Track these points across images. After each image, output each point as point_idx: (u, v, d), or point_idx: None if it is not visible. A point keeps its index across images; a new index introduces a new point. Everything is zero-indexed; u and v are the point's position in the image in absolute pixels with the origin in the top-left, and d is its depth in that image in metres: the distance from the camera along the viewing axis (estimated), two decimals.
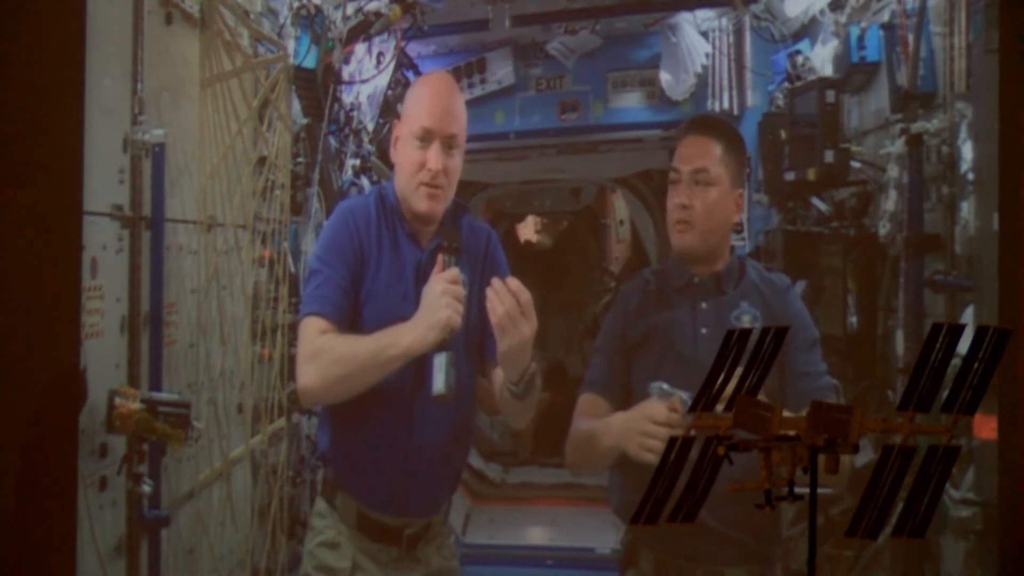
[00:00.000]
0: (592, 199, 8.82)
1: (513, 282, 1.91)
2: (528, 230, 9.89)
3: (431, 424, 2.15)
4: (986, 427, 2.31)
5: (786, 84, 4.13)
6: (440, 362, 1.97)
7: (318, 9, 3.36)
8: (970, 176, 2.63)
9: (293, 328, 2.98)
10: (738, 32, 4.80)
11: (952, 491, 2.50)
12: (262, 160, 3.01)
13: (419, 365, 2.04)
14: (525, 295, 1.89)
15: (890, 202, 3.08)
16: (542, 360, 7.52)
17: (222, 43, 2.62)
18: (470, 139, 2.27)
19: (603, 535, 5.27)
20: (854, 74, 3.56)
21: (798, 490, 1.28)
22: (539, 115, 5.32)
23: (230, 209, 2.75)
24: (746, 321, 2.17)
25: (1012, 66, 1.91)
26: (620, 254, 8.46)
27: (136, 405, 2.03)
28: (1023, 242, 1.86)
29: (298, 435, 3.55)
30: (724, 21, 4.80)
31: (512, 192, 8.06)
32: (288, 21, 3.35)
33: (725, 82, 4.83)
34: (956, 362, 1.20)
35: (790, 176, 3.86)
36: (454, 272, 2.02)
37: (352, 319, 2.12)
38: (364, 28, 3.77)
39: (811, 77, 3.92)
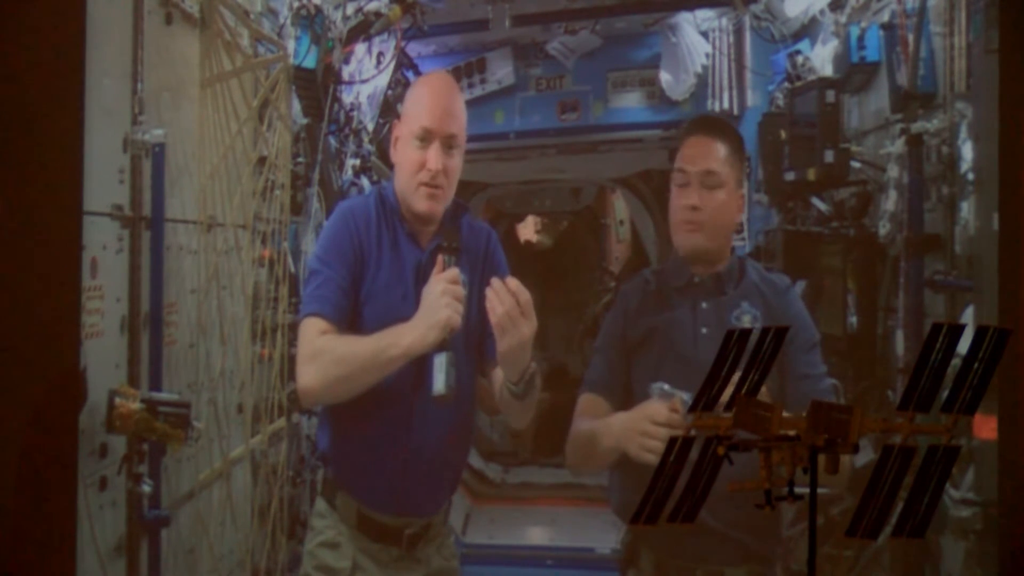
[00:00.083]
0: (592, 199, 8.82)
1: (512, 282, 1.91)
2: (528, 230, 9.90)
3: (431, 424, 2.15)
4: (986, 427, 2.31)
5: (786, 84, 4.13)
6: (440, 362, 1.97)
7: (318, 9, 3.36)
8: (970, 176, 2.63)
9: (293, 328, 2.98)
10: (738, 32, 4.80)
11: (952, 491, 2.50)
12: (262, 160, 3.01)
13: (419, 365, 2.04)
14: (525, 295, 1.89)
15: (890, 202, 3.08)
16: (542, 361, 7.55)
17: (222, 43, 2.62)
18: (470, 139, 2.27)
19: (603, 535, 5.27)
20: (854, 74, 3.56)
21: (798, 490, 1.28)
22: (539, 115, 5.33)
23: (230, 209, 2.75)
24: (747, 321, 2.17)
25: (1012, 66, 1.92)
26: (620, 254, 8.46)
27: (136, 405, 2.02)
28: (1023, 242, 1.86)
29: (298, 435, 3.55)
30: (724, 21, 4.80)
31: (512, 192, 8.06)
32: (288, 21, 3.35)
33: (725, 82, 4.83)
34: (956, 362, 1.20)
35: (790, 176, 3.86)
36: (454, 272, 2.02)
37: (352, 319, 2.12)
38: (364, 28, 3.77)
39: (811, 77, 3.92)
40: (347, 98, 3.93)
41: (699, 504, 1.30)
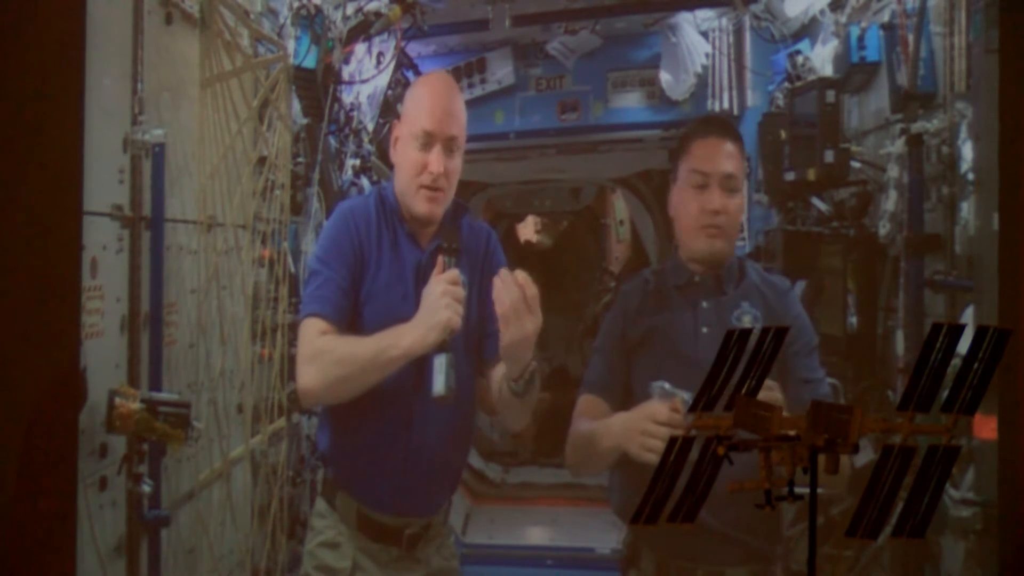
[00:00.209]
0: (592, 199, 8.82)
1: (521, 275, 1.88)
2: (528, 230, 9.90)
3: (431, 424, 2.15)
4: (986, 427, 2.31)
5: (786, 84, 4.13)
6: (440, 363, 1.97)
7: (318, 9, 3.36)
8: (970, 176, 2.63)
9: (293, 328, 2.98)
10: (738, 32, 4.80)
11: (952, 491, 2.50)
12: (262, 160, 3.01)
13: (419, 366, 2.04)
14: (532, 289, 1.86)
15: (890, 202, 3.08)
16: (542, 362, 7.54)
17: (222, 43, 2.62)
18: (470, 139, 2.26)
19: (603, 535, 5.27)
20: (854, 74, 3.55)
21: (798, 490, 1.28)
22: (539, 115, 5.33)
23: (230, 209, 2.75)
24: (747, 321, 2.17)
25: (1012, 66, 1.91)
26: (620, 254, 8.46)
27: (136, 405, 2.02)
28: (1023, 242, 1.86)
29: (298, 435, 3.55)
30: (724, 21, 4.80)
31: (512, 192, 8.06)
32: (288, 21, 3.35)
33: (725, 82, 4.83)
34: (956, 362, 1.20)
35: (790, 176, 3.86)
36: (454, 273, 2.02)
37: (352, 320, 2.12)
38: (364, 28, 3.77)
39: (811, 77, 3.92)
40: (347, 98, 3.93)
41: (699, 504, 1.30)
